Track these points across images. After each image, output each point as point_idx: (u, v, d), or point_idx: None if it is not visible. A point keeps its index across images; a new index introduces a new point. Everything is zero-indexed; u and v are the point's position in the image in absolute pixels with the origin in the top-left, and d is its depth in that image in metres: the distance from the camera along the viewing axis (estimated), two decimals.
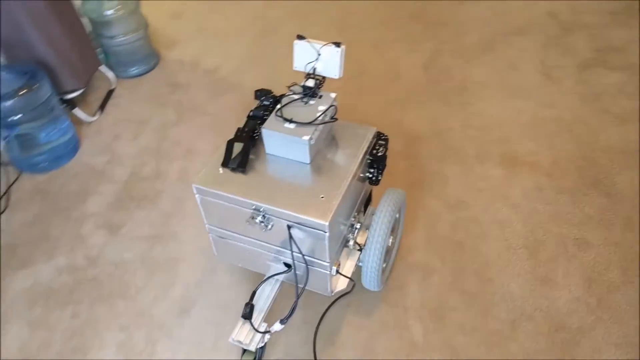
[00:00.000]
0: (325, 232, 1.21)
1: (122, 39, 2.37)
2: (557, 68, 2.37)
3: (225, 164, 1.32)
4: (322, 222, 1.19)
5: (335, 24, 2.77)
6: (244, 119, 1.41)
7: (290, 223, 1.25)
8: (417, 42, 2.60)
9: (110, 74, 2.41)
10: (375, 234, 1.37)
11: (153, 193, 1.93)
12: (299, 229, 1.25)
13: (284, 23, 2.80)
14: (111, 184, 1.97)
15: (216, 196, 1.29)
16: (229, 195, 1.27)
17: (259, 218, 1.26)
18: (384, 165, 1.45)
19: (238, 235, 1.39)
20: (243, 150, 1.34)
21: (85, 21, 2.32)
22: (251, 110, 1.42)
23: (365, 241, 1.41)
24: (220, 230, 1.41)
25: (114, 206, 1.89)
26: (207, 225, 1.42)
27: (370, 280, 1.46)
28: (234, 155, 1.34)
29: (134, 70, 2.49)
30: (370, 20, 2.79)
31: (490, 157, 1.97)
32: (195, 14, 2.95)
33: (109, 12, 2.27)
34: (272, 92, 1.46)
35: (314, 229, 1.22)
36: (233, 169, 1.32)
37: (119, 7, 2.29)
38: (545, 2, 2.80)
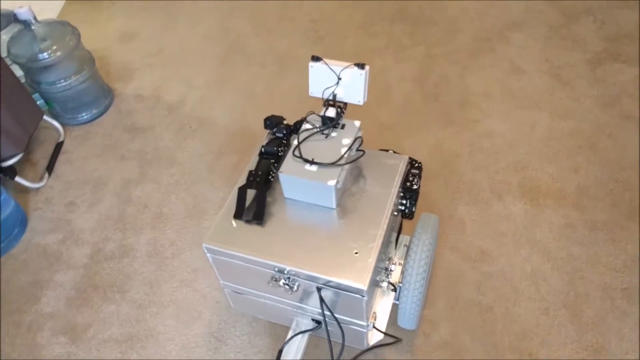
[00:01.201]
0: (364, 297, 1.06)
1: (65, 83, 2.00)
2: (566, 67, 2.09)
3: (238, 215, 1.16)
4: (359, 286, 1.04)
5: (306, 34, 2.44)
6: (254, 157, 1.22)
7: (320, 285, 1.09)
8: (405, 48, 2.29)
9: (56, 125, 2.06)
10: (414, 269, 1.21)
11: (121, 278, 1.62)
12: (330, 290, 1.10)
13: (248, 39, 2.46)
14: (69, 270, 1.66)
15: (231, 256, 1.14)
16: (247, 257, 1.11)
17: (283, 280, 1.11)
18: (417, 196, 1.29)
19: (258, 293, 1.24)
20: (258, 199, 1.17)
21: (15, 68, 1.96)
22: (262, 146, 1.24)
23: (402, 277, 1.24)
24: (237, 286, 1.26)
25: (75, 302, 1.58)
26: (221, 282, 1.27)
27: (409, 320, 1.30)
28: (247, 203, 1.18)
29: (84, 116, 2.13)
30: (346, 26, 2.46)
31: (509, 190, 1.71)
32: (149, 34, 2.58)
33: (44, 56, 1.90)
34: (283, 120, 1.28)
35: (350, 292, 1.07)
36: (248, 221, 1.15)
37: (54, 47, 1.92)
38: None
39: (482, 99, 2.02)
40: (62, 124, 2.09)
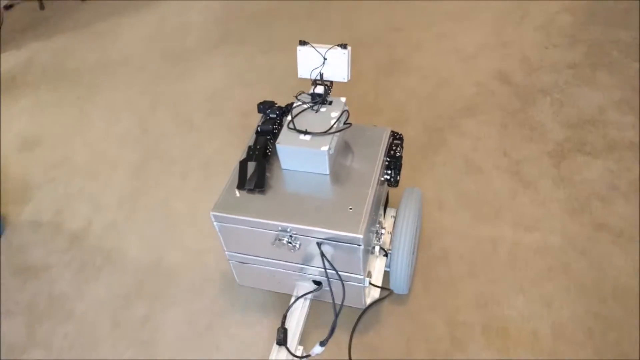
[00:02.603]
0: (360, 246, 1.17)
1: None
2: (527, 162, 1.85)
3: (241, 186, 1.27)
4: (356, 235, 1.16)
5: (236, 132, 2.15)
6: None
7: (320, 240, 1.20)
8: None
9: None
10: (402, 236, 1.35)
11: None
12: (329, 245, 1.20)
13: (170, 140, 2.15)
14: None
15: (238, 222, 1.24)
16: (252, 219, 1.22)
17: (286, 239, 1.22)
18: (401, 165, 1.43)
19: (262, 259, 1.33)
20: (258, 170, 1.29)
21: None
22: (258, 125, 1.38)
23: (391, 245, 1.38)
24: (241, 255, 1.35)
25: None
26: (226, 253, 1.36)
27: (400, 284, 1.42)
28: (248, 175, 1.29)
29: None
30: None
31: (472, 336, 1.42)
32: (56, 138, 2.25)
33: None
34: (275, 103, 1.42)
35: (347, 243, 1.18)
36: (250, 191, 1.26)
37: None
38: (492, 62, 2.29)
39: (434, 208, 1.74)
40: None
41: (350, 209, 1.19)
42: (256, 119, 2.22)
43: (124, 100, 2.40)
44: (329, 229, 1.16)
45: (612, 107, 2.01)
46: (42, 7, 3.17)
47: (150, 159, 2.09)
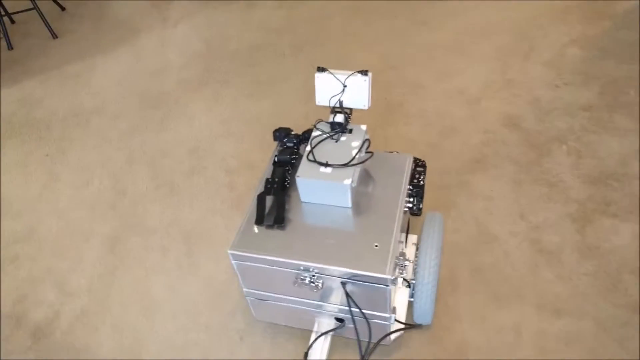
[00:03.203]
0: (387, 286, 1.12)
1: None
2: (547, 227, 1.66)
3: (259, 221, 1.23)
4: (384, 276, 1.11)
5: (221, 194, 1.93)
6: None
7: (345, 280, 1.15)
8: None
9: None
10: (427, 266, 1.30)
11: None
12: (354, 284, 1.15)
13: (147, 206, 1.94)
14: None
15: (257, 260, 1.19)
16: (273, 258, 1.17)
17: (308, 278, 1.17)
18: (423, 192, 1.39)
19: (281, 296, 1.29)
20: (277, 204, 1.26)
21: None
22: (275, 155, 1.35)
23: (415, 275, 1.33)
24: (260, 293, 1.32)
25: None
26: (244, 289, 1.33)
27: (424, 314, 1.36)
28: (267, 210, 1.26)
29: None
30: None
31: None
32: (20, 204, 2.01)
33: None
34: (292, 130, 1.39)
35: (374, 283, 1.12)
36: (269, 226, 1.22)
37: None
38: (499, 104, 2.10)
39: (447, 290, 1.53)
40: None
41: (377, 246, 1.15)
42: (242, 176, 2.04)
43: (98, 157, 2.18)
44: (354, 269, 1.12)
45: (635, 157, 1.82)
46: (10, 47, 2.95)
47: (126, 229, 1.87)
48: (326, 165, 1.21)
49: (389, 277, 1.10)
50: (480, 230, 1.68)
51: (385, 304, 1.18)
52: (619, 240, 1.59)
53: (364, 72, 1.23)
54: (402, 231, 1.31)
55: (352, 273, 1.12)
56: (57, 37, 2.97)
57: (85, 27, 3.06)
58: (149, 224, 1.87)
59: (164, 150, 2.16)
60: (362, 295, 1.17)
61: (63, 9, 3.18)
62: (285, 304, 1.31)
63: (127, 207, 1.95)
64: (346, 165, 1.20)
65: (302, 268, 1.16)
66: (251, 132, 2.17)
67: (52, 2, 3.09)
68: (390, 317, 1.23)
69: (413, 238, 1.54)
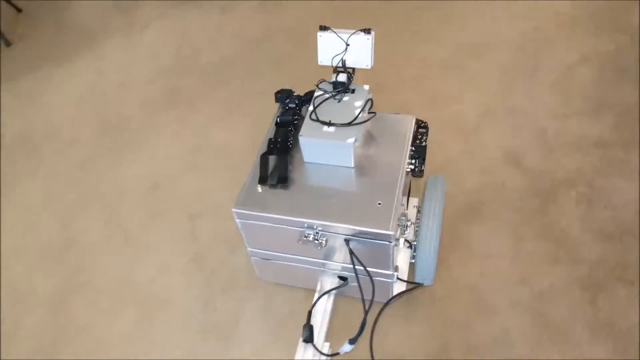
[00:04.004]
0: (391, 242, 1.15)
1: None
2: (553, 295, 1.42)
3: (263, 181, 1.24)
4: (387, 232, 1.13)
5: (183, 246, 1.70)
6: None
7: (348, 237, 1.17)
8: None
9: None
10: (429, 226, 1.31)
11: None
12: (358, 241, 1.17)
13: (95, 249, 1.69)
14: None
15: (261, 219, 1.20)
16: (277, 216, 1.18)
17: (312, 236, 1.18)
18: (425, 154, 1.34)
19: (285, 255, 1.31)
20: (281, 163, 1.26)
21: None
22: (277, 116, 1.36)
23: (417, 235, 1.34)
24: (264, 252, 1.34)
25: None
26: (248, 249, 1.35)
27: (427, 275, 1.37)
28: (270, 170, 1.26)
29: None
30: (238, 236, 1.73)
31: None
32: None
33: None
34: (293, 92, 1.38)
35: (378, 240, 1.15)
36: (273, 186, 1.23)
37: None
38: (499, 137, 1.84)
39: None
40: None
41: (380, 204, 1.16)
42: (207, 222, 1.78)
43: (46, 196, 1.92)
44: (358, 225, 1.14)
45: None
46: None
47: (72, 288, 1.63)
48: (329, 124, 1.21)
49: (392, 233, 1.12)
50: (477, 299, 1.45)
51: (388, 261, 1.20)
52: (637, 316, 1.38)
53: (367, 31, 1.22)
54: (404, 193, 1.31)
55: (356, 230, 1.14)
56: (10, 44, 2.67)
57: (43, 33, 2.75)
58: (98, 284, 1.63)
59: (121, 188, 1.91)
60: (365, 252, 1.19)
61: (19, 10, 2.86)
62: (288, 263, 1.34)
63: (73, 259, 1.70)
64: (349, 124, 1.20)
65: (306, 226, 1.18)
66: (220, 167, 1.92)
67: (5, 2, 2.79)
68: (392, 275, 1.25)
69: (414, 201, 1.55)
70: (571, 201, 1.64)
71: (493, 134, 1.87)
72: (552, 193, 1.67)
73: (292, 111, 1.34)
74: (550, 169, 1.74)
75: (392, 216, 1.14)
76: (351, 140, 1.18)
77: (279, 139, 1.29)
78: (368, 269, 1.20)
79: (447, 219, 1.61)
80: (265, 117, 2.08)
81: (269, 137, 1.32)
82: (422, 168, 1.35)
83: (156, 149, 2.04)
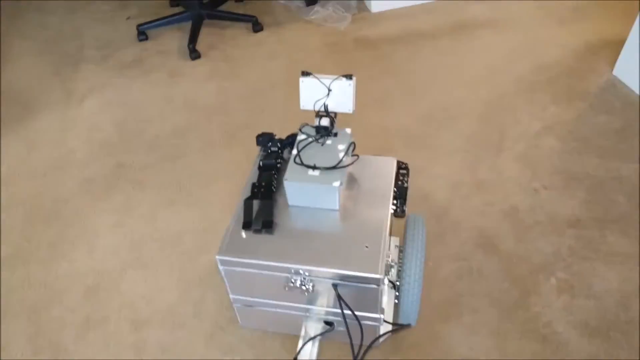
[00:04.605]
0: (379, 286, 1.15)
1: None
2: None
3: (247, 226, 1.23)
4: (375, 275, 1.13)
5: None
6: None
7: (336, 282, 1.17)
8: None
9: None
10: (412, 265, 1.30)
11: None
12: (345, 286, 1.17)
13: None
14: None
15: (246, 265, 1.20)
16: (262, 262, 1.18)
17: (299, 281, 1.19)
18: (407, 195, 1.39)
19: (269, 301, 1.31)
20: (265, 208, 1.26)
21: None
22: (260, 160, 1.37)
23: (400, 276, 1.32)
24: (247, 299, 1.33)
25: None
26: (231, 296, 1.33)
27: (411, 315, 1.37)
28: (254, 215, 1.25)
29: None
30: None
31: None
32: None
33: None
34: (275, 135, 1.41)
35: (366, 284, 1.15)
36: (257, 231, 1.22)
37: None
38: (470, 217, 1.72)
39: None
40: None
41: (367, 247, 1.17)
42: (154, 330, 1.54)
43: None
44: (346, 270, 1.14)
45: (637, 295, 1.51)
46: None
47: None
48: (314, 168, 1.22)
49: (380, 277, 1.12)
50: None
51: (375, 304, 1.21)
52: None
53: (349, 77, 1.26)
54: (390, 234, 1.33)
55: (344, 274, 1.15)
56: None
57: None
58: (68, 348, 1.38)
59: (52, 292, 1.66)
60: (352, 296, 1.19)
61: None
62: (273, 310, 1.33)
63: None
64: (335, 167, 1.22)
65: (292, 271, 1.18)
66: (170, 261, 1.71)
67: None
68: (380, 318, 1.26)
69: (395, 240, 1.55)
70: (552, 291, 1.53)
71: (464, 213, 1.76)
72: (531, 281, 1.55)
73: (274, 154, 1.36)
74: (526, 253, 1.63)
75: (380, 259, 1.15)
76: (337, 183, 1.20)
77: (263, 183, 1.30)
78: (356, 312, 1.21)
79: (421, 320, 1.47)
80: (218, 203, 1.91)
81: (252, 182, 1.32)
82: (404, 208, 1.39)
83: (95, 240, 1.80)
